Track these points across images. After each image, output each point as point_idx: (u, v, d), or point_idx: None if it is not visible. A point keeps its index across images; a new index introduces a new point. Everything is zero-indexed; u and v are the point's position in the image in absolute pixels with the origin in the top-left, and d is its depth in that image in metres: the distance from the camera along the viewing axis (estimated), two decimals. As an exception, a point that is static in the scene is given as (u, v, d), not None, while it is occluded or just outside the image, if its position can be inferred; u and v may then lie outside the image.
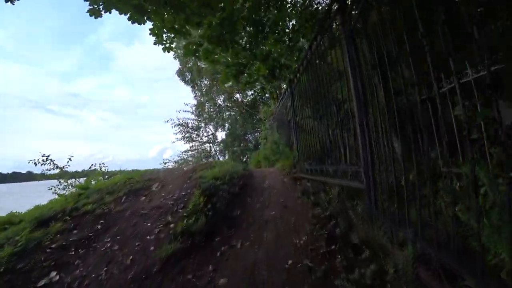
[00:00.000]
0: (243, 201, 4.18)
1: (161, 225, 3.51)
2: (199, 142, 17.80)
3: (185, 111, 17.02)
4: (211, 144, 18.38)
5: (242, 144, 20.70)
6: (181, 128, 16.76)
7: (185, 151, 18.03)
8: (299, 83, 4.57)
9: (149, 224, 3.63)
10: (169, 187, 4.92)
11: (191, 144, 17.71)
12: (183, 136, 17.12)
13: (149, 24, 3.89)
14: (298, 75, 4.58)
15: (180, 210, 3.79)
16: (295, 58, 5.40)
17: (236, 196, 4.26)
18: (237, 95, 20.07)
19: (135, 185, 5.10)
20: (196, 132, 17.49)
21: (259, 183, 5.05)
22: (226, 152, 19.59)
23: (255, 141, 18.02)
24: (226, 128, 20.60)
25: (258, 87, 6.77)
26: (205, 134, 18.20)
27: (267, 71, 5.15)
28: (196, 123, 17.60)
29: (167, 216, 3.72)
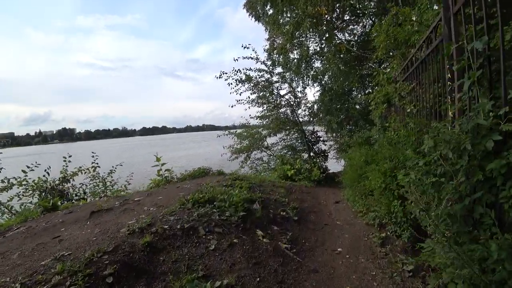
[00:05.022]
0: None
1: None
2: (273, 104, 11.87)
3: (246, 57, 11.15)
4: (293, 108, 12.23)
5: (347, 105, 13.74)
6: (242, 85, 11.11)
7: (260, 117, 12.64)
8: None
9: None
10: None
11: (261, 108, 12.02)
12: (255, 97, 11.59)
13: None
14: None
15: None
16: None
17: None
18: (340, 35, 12.83)
19: None
20: (268, 90, 11.55)
21: None
22: (316, 119, 13.26)
23: (365, 104, 10.92)
24: (321, 82, 13.94)
25: None
26: (283, 92, 12.10)
27: None
28: (268, 75, 11.51)
29: None
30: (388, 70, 5.59)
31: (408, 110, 3.51)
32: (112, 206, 3.51)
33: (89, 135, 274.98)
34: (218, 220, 2.75)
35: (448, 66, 2.12)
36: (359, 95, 13.55)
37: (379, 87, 5.88)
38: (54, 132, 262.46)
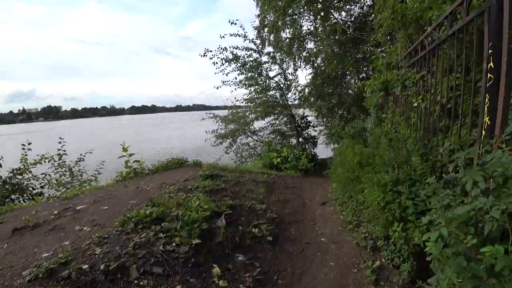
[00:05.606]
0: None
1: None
2: (262, 86, 11.11)
3: (233, 34, 10.22)
4: (282, 91, 11.47)
5: (339, 89, 13.21)
6: (228, 64, 10.20)
7: (248, 100, 11.94)
8: None
9: None
10: None
11: (248, 91, 11.26)
12: (243, 78, 10.72)
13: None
14: None
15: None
16: None
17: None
18: (336, 14, 11.91)
19: None
20: (257, 71, 10.70)
21: None
22: (306, 103, 12.69)
23: (358, 90, 10.27)
24: (313, 64, 13.10)
25: None
26: (272, 73, 11.35)
27: None
28: (256, 55, 10.61)
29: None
30: (386, 52, 4.87)
31: (415, 104, 2.84)
32: (43, 219, 2.81)
33: (75, 113, 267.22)
34: (161, 253, 2.04)
35: (490, 51, 1.43)
36: (353, 80, 12.84)
37: (376, 73, 5.17)
38: (39, 110, 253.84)
